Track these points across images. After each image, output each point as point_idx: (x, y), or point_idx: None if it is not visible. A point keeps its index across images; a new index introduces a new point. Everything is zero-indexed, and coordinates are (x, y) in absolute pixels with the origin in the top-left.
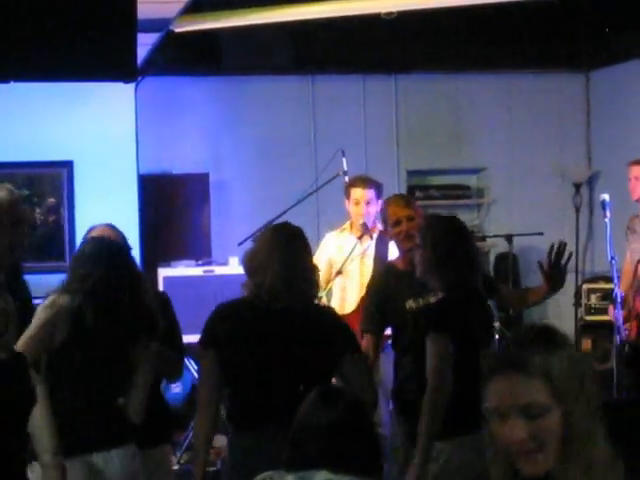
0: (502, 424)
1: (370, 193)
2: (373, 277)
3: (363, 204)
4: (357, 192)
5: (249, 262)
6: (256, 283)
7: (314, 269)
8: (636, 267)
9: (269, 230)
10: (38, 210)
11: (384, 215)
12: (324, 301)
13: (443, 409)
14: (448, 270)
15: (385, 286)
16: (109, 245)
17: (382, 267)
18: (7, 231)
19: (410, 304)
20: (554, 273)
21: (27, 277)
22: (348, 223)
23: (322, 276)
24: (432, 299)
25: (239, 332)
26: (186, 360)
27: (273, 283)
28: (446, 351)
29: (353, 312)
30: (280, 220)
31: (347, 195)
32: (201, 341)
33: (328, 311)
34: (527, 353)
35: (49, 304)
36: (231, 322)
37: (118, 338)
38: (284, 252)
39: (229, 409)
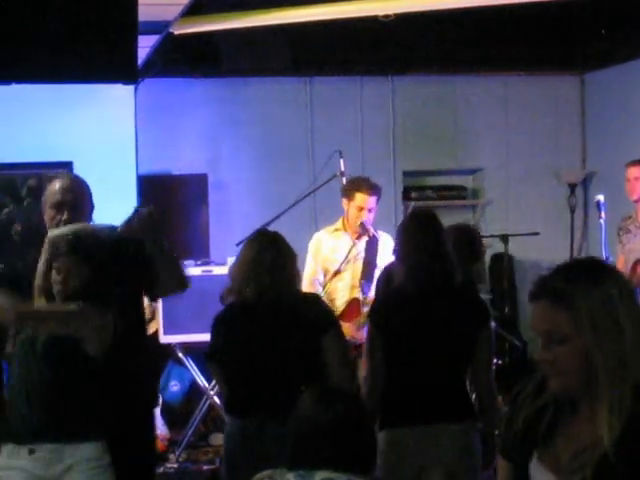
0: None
1: (374, 200)
2: None
3: (366, 211)
4: (362, 198)
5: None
6: (243, 282)
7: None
8: (634, 266)
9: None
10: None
11: None
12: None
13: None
14: (402, 266)
15: None
16: None
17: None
18: None
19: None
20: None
21: None
22: (340, 222)
23: (311, 274)
24: None
25: (234, 337)
26: (185, 359)
27: (260, 280)
28: (372, 343)
29: (341, 314)
30: (279, 220)
31: (349, 196)
32: (205, 354)
33: (311, 297)
34: (560, 283)
35: None
36: (226, 331)
37: None
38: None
39: (226, 402)
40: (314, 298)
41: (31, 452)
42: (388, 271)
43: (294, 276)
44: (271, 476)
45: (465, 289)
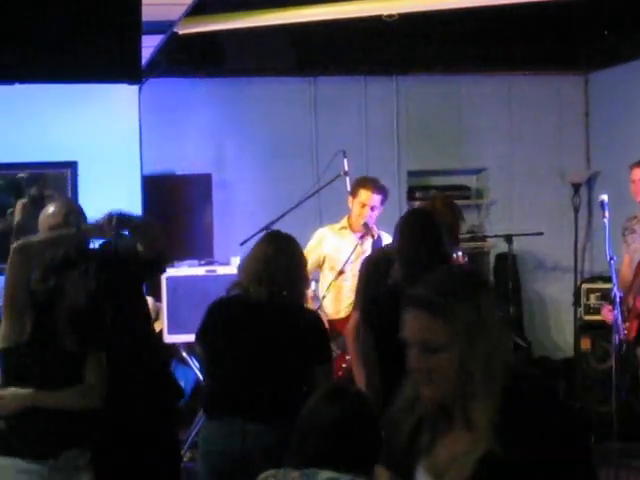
0: (410, 352)
1: (377, 199)
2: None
3: (368, 208)
4: (366, 195)
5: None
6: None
7: (299, 268)
8: (639, 266)
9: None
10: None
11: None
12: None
13: None
14: (400, 264)
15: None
16: None
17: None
18: None
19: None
20: None
21: None
22: (346, 220)
23: (312, 267)
24: None
25: (221, 325)
26: (189, 359)
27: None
28: (365, 344)
29: (347, 317)
30: (283, 220)
31: (353, 192)
32: (195, 336)
33: (310, 314)
34: (435, 294)
35: None
36: (216, 317)
37: None
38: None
39: (204, 398)
40: (315, 320)
41: None
42: (374, 262)
43: (303, 283)
44: (275, 475)
45: None
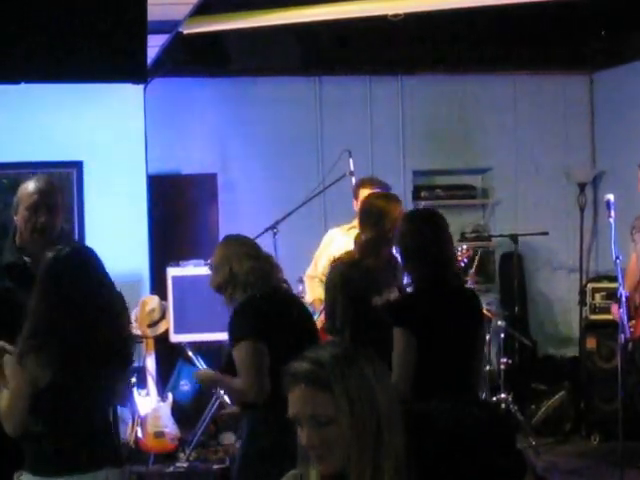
0: (300, 430)
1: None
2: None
3: None
4: (364, 193)
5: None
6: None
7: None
8: None
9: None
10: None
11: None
12: None
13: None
14: (417, 265)
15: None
16: None
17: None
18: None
19: (375, 300)
20: None
21: None
22: (356, 221)
23: (310, 272)
24: (392, 295)
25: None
26: (195, 359)
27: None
28: (407, 346)
29: None
30: (288, 220)
31: (355, 195)
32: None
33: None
34: (316, 367)
35: None
36: (273, 314)
37: None
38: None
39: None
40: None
41: None
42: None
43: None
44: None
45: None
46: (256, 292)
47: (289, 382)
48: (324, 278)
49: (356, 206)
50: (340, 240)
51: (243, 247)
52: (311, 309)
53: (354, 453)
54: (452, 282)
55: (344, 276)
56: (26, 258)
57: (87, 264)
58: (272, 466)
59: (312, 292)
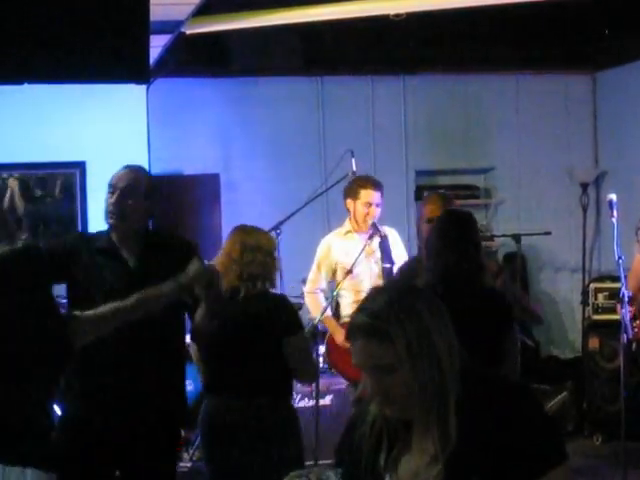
0: (365, 379)
1: (379, 195)
2: None
3: (374, 206)
4: (369, 194)
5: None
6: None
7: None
8: None
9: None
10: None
11: (421, 211)
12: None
13: None
14: (432, 262)
15: None
16: None
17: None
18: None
19: None
20: None
21: None
22: (348, 223)
23: (312, 284)
24: None
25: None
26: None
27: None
28: None
29: None
30: (291, 220)
31: (354, 195)
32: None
33: (275, 297)
34: (373, 318)
35: None
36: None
37: None
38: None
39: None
40: (278, 299)
41: None
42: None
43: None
44: (307, 475)
45: (492, 290)
46: None
47: (350, 335)
48: (340, 290)
49: (351, 206)
50: (339, 245)
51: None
52: (320, 326)
53: (418, 398)
54: (462, 284)
55: None
56: None
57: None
58: None
59: (317, 309)
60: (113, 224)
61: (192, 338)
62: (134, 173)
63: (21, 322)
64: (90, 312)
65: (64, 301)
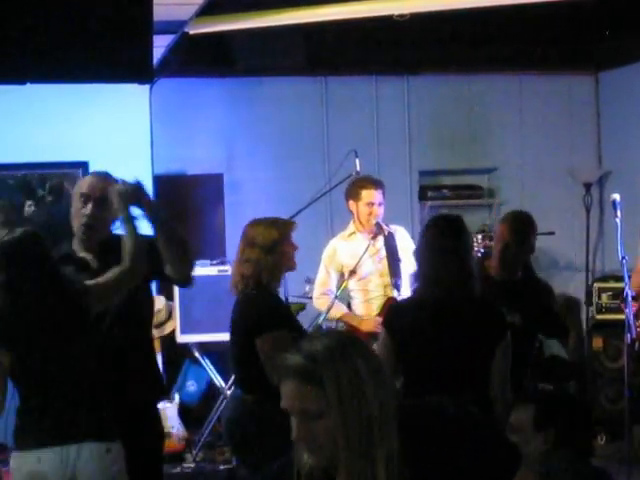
0: (292, 422)
1: (380, 194)
2: None
3: (376, 205)
4: (370, 194)
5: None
6: None
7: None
8: None
9: None
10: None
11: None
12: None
13: None
14: (421, 270)
15: None
16: None
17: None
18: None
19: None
20: None
21: None
22: (352, 225)
23: (321, 284)
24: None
25: None
26: (201, 359)
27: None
28: (383, 348)
29: (379, 315)
30: (295, 219)
31: (356, 196)
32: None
33: (249, 297)
34: (307, 361)
35: None
36: None
37: None
38: None
39: None
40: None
41: None
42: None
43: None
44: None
45: (482, 300)
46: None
47: (282, 374)
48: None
49: (353, 207)
50: (344, 248)
51: None
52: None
53: (343, 449)
54: (452, 293)
55: None
56: None
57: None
58: None
59: (336, 308)
60: (85, 237)
61: None
62: (107, 182)
63: (49, 293)
64: (96, 281)
65: None
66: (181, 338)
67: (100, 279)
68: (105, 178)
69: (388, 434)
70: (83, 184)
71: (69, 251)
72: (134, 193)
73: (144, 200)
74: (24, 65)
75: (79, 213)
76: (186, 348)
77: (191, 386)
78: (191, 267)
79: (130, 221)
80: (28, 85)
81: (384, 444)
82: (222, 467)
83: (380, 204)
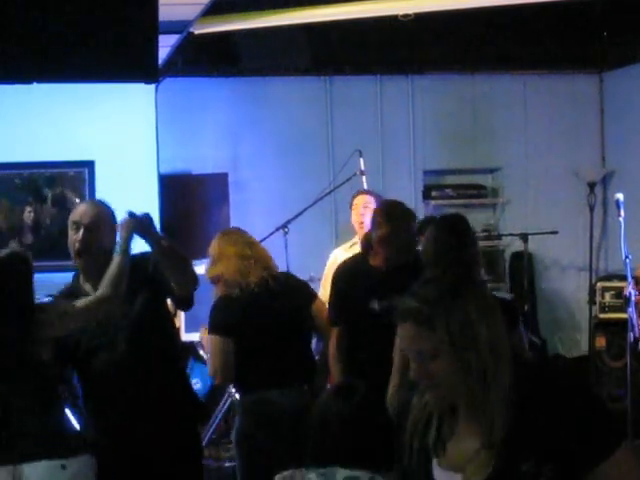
0: (410, 364)
1: (372, 199)
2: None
3: (363, 207)
4: (361, 199)
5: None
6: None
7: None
8: None
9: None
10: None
11: None
12: None
13: None
14: (427, 270)
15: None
16: None
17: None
18: None
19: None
20: None
21: (51, 276)
22: (356, 237)
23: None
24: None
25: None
26: (205, 357)
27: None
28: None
29: None
30: (299, 219)
31: (351, 206)
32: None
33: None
34: (421, 304)
35: None
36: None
37: None
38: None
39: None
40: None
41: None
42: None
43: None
44: (292, 476)
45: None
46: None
47: (399, 318)
48: None
49: (354, 219)
50: (343, 258)
51: (237, 246)
52: None
53: (458, 386)
54: None
55: None
56: None
57: None
58: None
59: None
60: (79, 261)
61: None
62: (98, 208)
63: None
64: (64, 309)
65: None
66: (185, 336)
67: (68, 306)
68: (97, 205)
69: (501, 374)
70: (75, 212)
71: (77, 285)
72: (142, 226)
73: (150, 233)
74: (31, 65)
75: (72, 240)
76: (190, 346)
77: (196, 384)
78: (193, 289)
79: (125, 253)
80: (34, 85)
81: (497, 381)
82: (227, 464)
83: (366, 206)
